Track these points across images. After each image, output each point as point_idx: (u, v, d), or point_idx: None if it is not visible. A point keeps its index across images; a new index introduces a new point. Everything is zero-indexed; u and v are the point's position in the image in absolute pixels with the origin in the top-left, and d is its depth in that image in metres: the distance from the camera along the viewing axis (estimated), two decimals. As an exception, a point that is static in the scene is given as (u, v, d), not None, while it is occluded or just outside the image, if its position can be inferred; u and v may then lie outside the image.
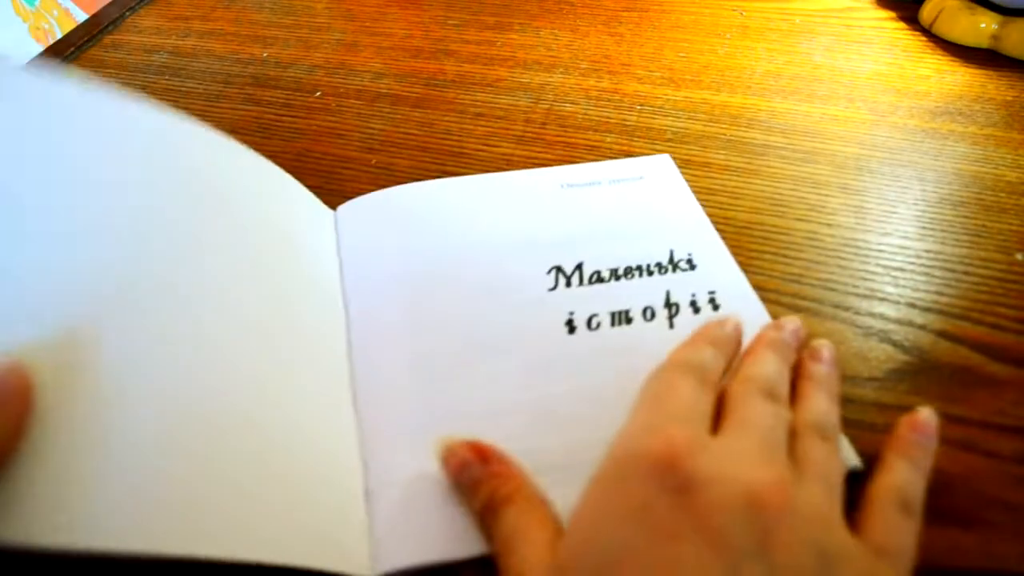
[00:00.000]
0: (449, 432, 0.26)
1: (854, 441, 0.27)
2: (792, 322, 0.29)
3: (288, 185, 0.35)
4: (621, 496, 0.20)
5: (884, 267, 0.34)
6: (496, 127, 0.43)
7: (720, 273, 0.33)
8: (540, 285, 0.32)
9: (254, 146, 0.43)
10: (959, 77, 0.46)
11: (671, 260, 0.34)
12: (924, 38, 0.50)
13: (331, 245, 0.34)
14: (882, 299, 0.33)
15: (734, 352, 0.27)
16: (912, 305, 0.32)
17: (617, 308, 0.31)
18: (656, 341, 0.30)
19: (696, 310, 0.31)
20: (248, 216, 0.30)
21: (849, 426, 0.27)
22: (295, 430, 0.26)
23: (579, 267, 0.33)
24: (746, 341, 0.28)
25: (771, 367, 0.26)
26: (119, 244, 0.24)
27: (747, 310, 0.32)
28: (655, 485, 0.20)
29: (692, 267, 0.33)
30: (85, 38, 0.53)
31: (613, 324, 0.31)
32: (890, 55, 0.49)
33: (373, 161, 0.41)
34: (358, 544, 0.24)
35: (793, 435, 0.24)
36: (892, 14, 0.53)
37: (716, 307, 0.32)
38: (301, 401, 0.27)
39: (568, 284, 0.32)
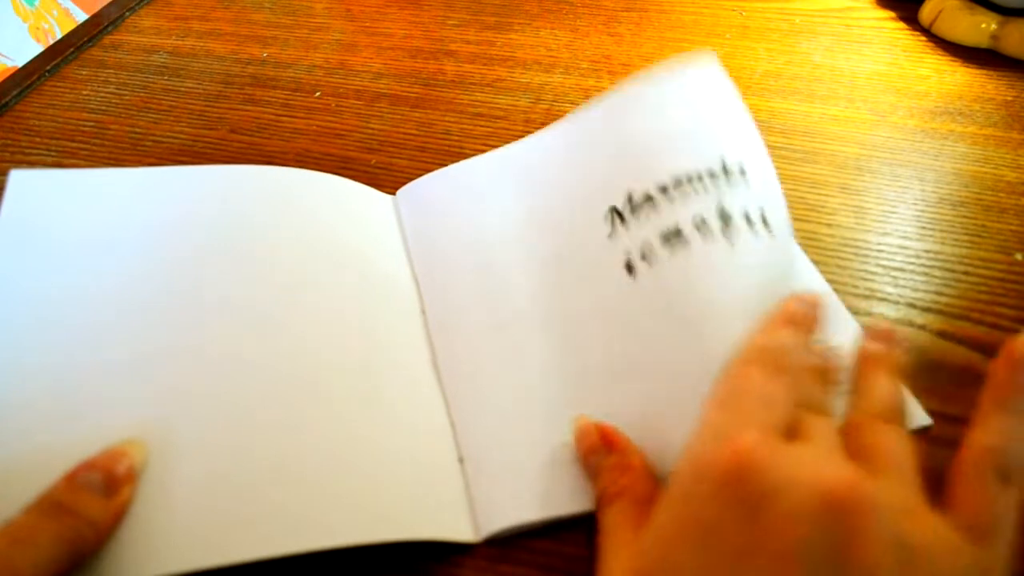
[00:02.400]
0: (536, 396, 0.28)
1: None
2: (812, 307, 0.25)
3: (342, 188, 0.37)
4: (691, 513, 0.19)
5: (883, 267, 0.34)
6: (496, 127, 0.43)
7: (768, 189, 0.30)
8: (599, 234, 0.30)
9: (254, 146, 0.43)
10: (959, 77, 0.46)
11: (724, 168, 0.28)
12: (924, 38, 0.50)
13: (394, 229, 0.36)
14: (882, 299, 0.33)
15: (815, 327, 0.25)
16: (912, 305, 0.32)
17: (667, 227, 0.28)
18: (719, 265, 0.27)
19: (750, 223, 0.27)
20: (314, 230, 0.33)
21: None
22: (385, 409, 0.27)
23: (630, 198, 0.29)
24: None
25: (781, 394, 0.23)
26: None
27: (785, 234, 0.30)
28: (725, 501, 0.19)
29: (744, 176, 0.29)
30: (85, 38, 0.53)
31: (664, 244, 0.28)
32: (890, 55, 0.49)
33: (373, 161, 0.41)
34: (460, 511, 0.25)
35: (855, 427, 0.23)
36: (892, 14, 0.53)
37: (767, 224, 0.28)
38: (388, 382, 0.28)
39: (623, 221, 0.30)
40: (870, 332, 0.26)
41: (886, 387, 0.24)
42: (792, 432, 0.21)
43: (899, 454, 0.21)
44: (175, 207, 0.32)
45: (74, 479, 0.22)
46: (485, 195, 0.36)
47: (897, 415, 0.23)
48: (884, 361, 0.25)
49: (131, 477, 0.23)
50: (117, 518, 0.22)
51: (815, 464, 0.20)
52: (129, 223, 0.31)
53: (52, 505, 0.21)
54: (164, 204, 0.32)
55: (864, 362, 0.25)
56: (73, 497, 0.21)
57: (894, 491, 0.20)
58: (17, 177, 0.32)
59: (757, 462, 0.19)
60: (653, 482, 0.24)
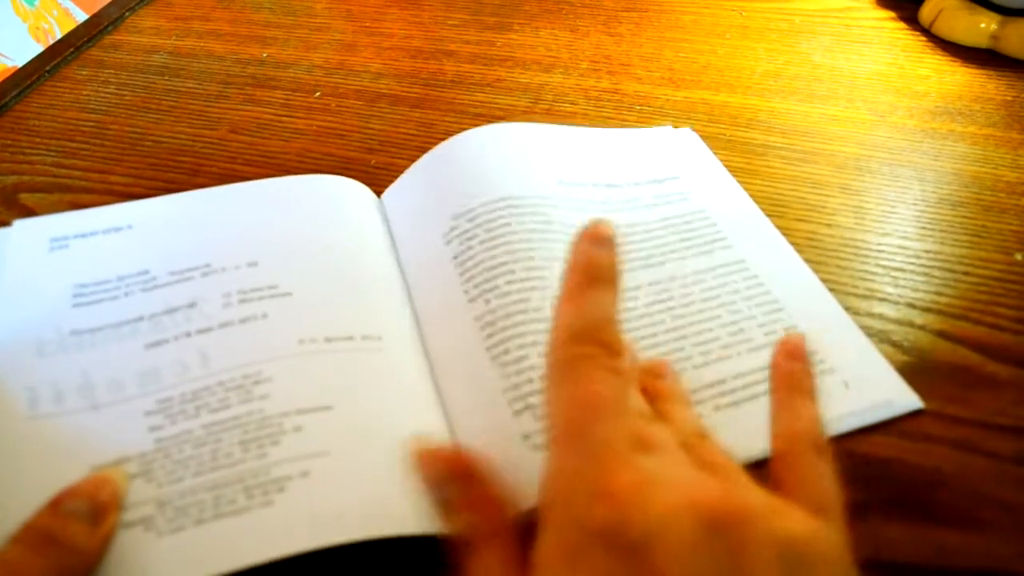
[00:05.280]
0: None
1: (855, 443, 0.27)
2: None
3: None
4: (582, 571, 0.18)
5: (883, 267, 0.34)
6: (496, 127, 0.43)
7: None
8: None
9: (254, 146, 0.43)
10: (959, 77, 0.46)
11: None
12: (924, 38, 0.50)
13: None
14: (881, 299, 0.33)
15: (616, 270, 0.22)
16: (911, 305, 0.32)
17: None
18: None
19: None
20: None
21: (848, 426, 0.27)
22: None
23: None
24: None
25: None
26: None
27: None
28: (609, 552, 0.18)
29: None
30: (85, 38, 0.53)
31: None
32: (890, 55, 0.49)
33: (373, 161, 0.41)
34: None
35: (685, 447, 0.22)
36: (892, 14, 0.53)
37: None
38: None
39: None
40: (782, 348, 0.26)
41: (812, 414, 0.23)
42: (638, 440, 0.20)
43: (731, 461, 0.21)
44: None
45: (59, 507, 0.21)
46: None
47: (823, 442, 0.22)
48: (799, 383, 0.24)
49: (115, 504, 0.22)
50: (104, 547, 0.21)
51: (683, 486, 0.19)
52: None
53: (40, 536, 0.21)
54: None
55: (781, 383, 0.25)
56: (61, 526, 0.21)
57: (755, 494, 0.20)
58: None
59: (632, 508, 0.18)
60: (510, 517, 0.23)
